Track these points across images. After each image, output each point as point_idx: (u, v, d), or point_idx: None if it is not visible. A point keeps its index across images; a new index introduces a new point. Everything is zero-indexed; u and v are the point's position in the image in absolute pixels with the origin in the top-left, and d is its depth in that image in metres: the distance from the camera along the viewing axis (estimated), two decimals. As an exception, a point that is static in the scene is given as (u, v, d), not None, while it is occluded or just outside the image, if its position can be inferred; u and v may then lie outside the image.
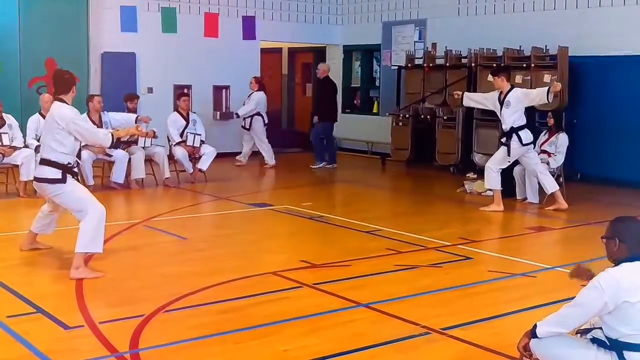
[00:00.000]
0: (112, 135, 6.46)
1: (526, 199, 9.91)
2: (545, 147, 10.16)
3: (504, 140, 9.45)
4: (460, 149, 12.97)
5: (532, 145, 9.56)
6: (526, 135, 9.32)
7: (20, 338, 4.57)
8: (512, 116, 9.27)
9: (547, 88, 9.10)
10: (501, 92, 9.38)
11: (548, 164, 9.96)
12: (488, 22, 13.44)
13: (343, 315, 5.19)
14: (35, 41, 12.55)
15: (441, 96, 13.19)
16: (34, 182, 6.60)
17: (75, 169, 6.36)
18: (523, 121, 9.35)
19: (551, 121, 10.23)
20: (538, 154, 10.01)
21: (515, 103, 9.26)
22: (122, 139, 6.73)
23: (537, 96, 9.20)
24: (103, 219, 6.22)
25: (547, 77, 11.76)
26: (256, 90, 13.55)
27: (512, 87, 9.45)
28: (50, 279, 6.28)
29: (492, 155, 10.46)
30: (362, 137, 15.84)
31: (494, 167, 9.44)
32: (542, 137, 10.32)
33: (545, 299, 5.51)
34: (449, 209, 9.93)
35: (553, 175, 9.97)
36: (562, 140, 10.09)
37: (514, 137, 9.28)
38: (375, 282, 6.09)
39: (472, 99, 9.99)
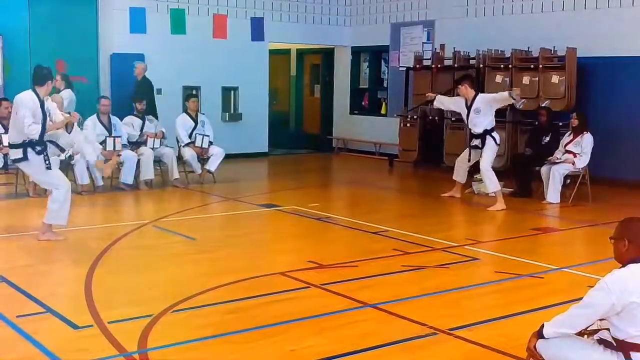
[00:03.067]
0: (43, 130, 7.15)
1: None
2: (570, 147, 10.14)
3: (477, 143, 9.85)
4: (468, 150, 12.95)
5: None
6: (498, 136, 9.89)
7: (29, 337, 4.61)
8: (485, 120, 9.67)
9: (508, 92, 9.59)
10: (467, 99, 9.75)
11: (573, 164, 10.00)
12: (496, 23, 13.43)
13: (350, 315, 5.21)
14: (44, 42, 12.63)
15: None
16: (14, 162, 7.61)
17: (39, 148, 7.13)
18: (494, 123, 9.85)
19: (575, 122, 10.20)
20: (562, 154, 10.07)
21: (485, 108, 9.69)
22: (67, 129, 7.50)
23: (502, 100, 9.66)
24: (68, 195, 7.29)
25: (555, 78, 11.76)
26: (63, 89, 11.90)
27: (477, 93, 9.84)
28: (59, 279, 6.35)
29: (498, 156, 10.78)
30: (370, 138, 15.86)
31: (489, 170, 9.69)
32: (567, 137, 10.31)
33: (553, 299, 5.52)
34: (456, 210, 9.94)
35: (578, 176, 10.08)
36: (587, 140, 10.07)
37: (489, 138, 9.71)
38: (382, 282, 6.10)
39: (442, 102, 10.49)
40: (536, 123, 11.24)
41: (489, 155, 9.75)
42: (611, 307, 3.51)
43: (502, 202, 9.53)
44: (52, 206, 7.25)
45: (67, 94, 11.72)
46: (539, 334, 3.76)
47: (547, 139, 10.66)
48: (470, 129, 9.98)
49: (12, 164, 9.68)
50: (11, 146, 7.33)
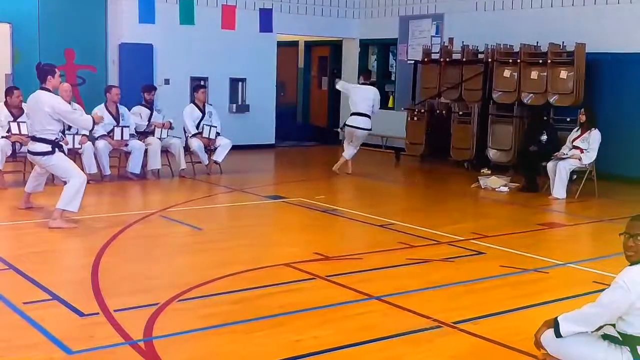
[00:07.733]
0: (93, 119, 7.91)
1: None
2: (578, 143, 10.09)
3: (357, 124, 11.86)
4: (475, 145, 12.95)
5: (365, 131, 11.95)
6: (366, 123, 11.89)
7: (36, 324, 4.64)
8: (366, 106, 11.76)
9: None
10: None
11: (580, 159, 9.96)
12: (505, 17, 13.39)
13: (355, 307, 5.23)
14: (54, 32, 12.66)
15: (457, 91, 13.18)
16: (28, 155, 7.90)
17: (62, 143, 7.67)
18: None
19: (583, 117, 10.12)
20: (569, 150, 10.05)
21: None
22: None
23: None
24: (83, 185, 7.50)
25: (563, 74, 11.72)
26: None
27: (369, 84, 11.89)
28: (66, 267, 6.39)
29: (505, 151, 10.78)
30: (377, 131, 15.76)
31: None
32: (574, 133, 10.26)
33: (557, 294, 5.53)
34: (462, 204, 9.94)
35: (584, 172, 10.06)
36: (594, 136, 10.01)
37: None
38: (387, 275, 6.12)
39: (342, 87, 12.42)
40: (529, 122, 11.24)
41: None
42: (630, 305, 3.52)
43: (350, 166, 11.61)
44: (67, 192, 7.38)
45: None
46: (555, 331, 3.75)
47: (544, 137, 10.61)
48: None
49: (20, 153, 9.77)
50: (37, 139, 7.47)
